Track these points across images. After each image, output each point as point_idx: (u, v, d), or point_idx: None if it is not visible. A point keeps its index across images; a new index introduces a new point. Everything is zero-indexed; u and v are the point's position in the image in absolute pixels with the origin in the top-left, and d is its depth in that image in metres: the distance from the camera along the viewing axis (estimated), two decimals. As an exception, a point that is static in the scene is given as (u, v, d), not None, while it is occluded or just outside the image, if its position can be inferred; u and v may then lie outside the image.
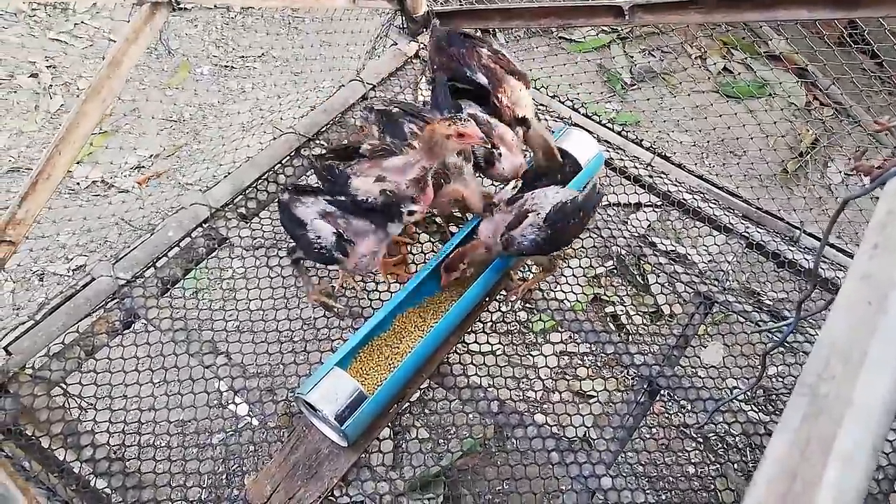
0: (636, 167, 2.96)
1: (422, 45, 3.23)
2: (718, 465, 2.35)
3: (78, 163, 4.57)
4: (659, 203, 2.92)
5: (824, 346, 0.84)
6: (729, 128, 3.80)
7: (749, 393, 2.49)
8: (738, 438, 2.33)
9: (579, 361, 3.21)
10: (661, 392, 2.43)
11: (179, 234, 2.59)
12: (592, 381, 2.88)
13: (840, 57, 4.29)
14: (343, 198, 2.19)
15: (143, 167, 4.67)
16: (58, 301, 2.42)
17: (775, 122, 4.81)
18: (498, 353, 2.64)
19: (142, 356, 2.36)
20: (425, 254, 2.65)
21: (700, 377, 2.45)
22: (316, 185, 2.31)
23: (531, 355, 3.11)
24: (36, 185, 2.08)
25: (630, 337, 2.93)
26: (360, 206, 2.16)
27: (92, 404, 2.25)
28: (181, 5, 2.10)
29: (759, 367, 1.68)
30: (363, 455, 2.22)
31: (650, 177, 2.94)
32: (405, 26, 3.31)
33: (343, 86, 3.10)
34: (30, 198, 2.09)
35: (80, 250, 4.20)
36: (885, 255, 0.90)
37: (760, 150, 4.72)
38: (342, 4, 2.89)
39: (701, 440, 2.49)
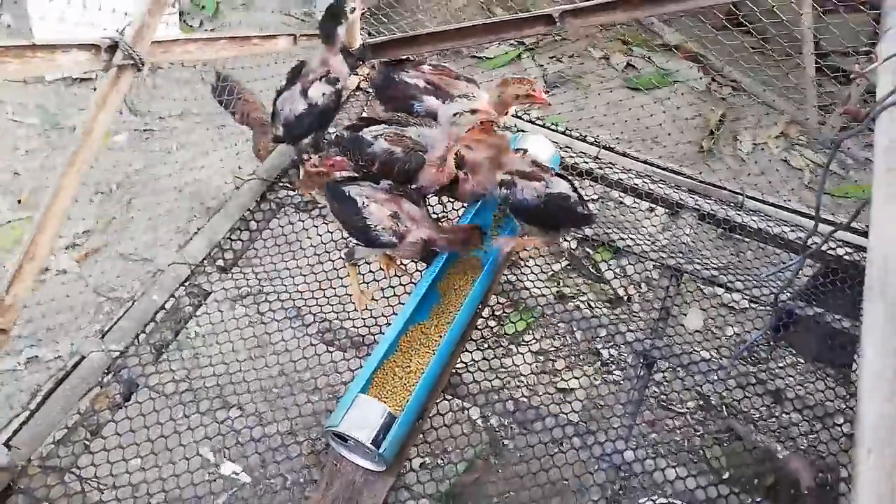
0: (586, 162, 3.15)
1: (362, 78, 3.32)
2: (722, 420, 2.52)
3: (7, 252, 4.37)
4: (616, 192, 3.11)
5: (878, 254, 0.98)
6: (639, 119, 4.09)
7: (735, 351, 2.69)
8: (733, 392, 2.50)
9: (557, 354, 3.35)
10: (657, 362, 2.58)
11: (163, 296, 2.54)
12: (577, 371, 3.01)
13: (726, 40, 4.69)
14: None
15: (78, 245, 4.50)
16: (50, 386, 2.32)
17: (681, 108, 5.20)
18: (493, 356, 2.72)
19: (151, 424, 2.30)
20: (419, 271, 2.71)
21: (688, 342, 2.63)
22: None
23: (513, 356, 3.22)
24: (22, 268, 2.02)
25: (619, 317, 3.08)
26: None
27: (110, 483, 2.17)
28: (144, 65, 2.10)
29: (773, 308, 1.85)
30: (398, 478, 2.24)
31: (600, 168, 3.13)
32: (341, 62, 3.38)
33: (294, 127, 3.13)
34: (16, 282, 2.02)
35: (28, 342, 4.00)
36: (900, 174, 1.06)
37: (672, 133, 5.07)
38: (284, 47, 2.95)
39: (702, 401, 2.66)
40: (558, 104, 5.24)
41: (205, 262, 2.66)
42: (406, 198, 2.39)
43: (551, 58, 5.55)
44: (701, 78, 5.47)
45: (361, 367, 2.32)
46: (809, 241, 1.94)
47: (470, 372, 2.50)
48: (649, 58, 5.50)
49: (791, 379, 2.52)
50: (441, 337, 2.40)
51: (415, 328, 2.46)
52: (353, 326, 2.58)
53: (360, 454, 2.19)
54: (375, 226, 2.31)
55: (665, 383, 2.85)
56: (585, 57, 5.56)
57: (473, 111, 2.25)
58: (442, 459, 2.98)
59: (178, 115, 5.34)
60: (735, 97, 5.29)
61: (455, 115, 2.27)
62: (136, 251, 4.47)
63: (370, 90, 3.30)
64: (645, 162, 3.17)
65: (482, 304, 2.63)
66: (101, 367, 2.36)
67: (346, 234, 2.64)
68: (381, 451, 2.07)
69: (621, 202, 3.32)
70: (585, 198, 2.49)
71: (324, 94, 2.61)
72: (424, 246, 2.38)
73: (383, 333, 2.48)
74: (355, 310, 2.61)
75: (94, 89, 2.09)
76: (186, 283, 2.60)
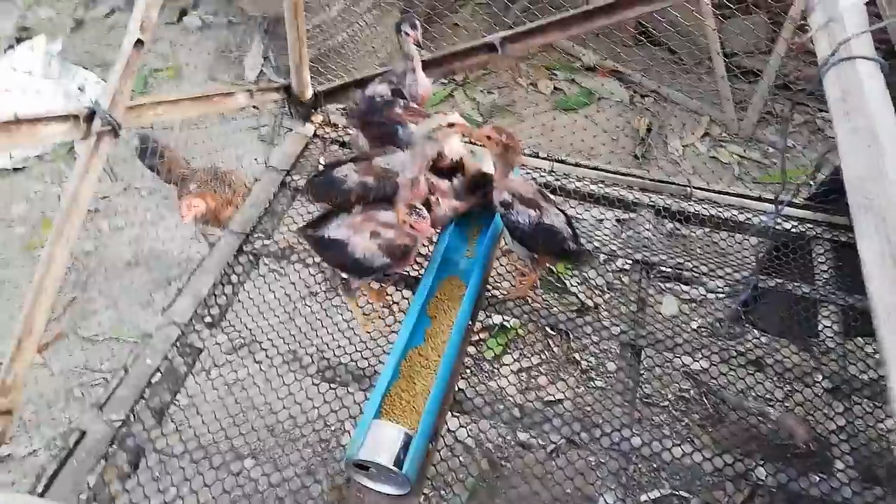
0: (542, 175, 3.31)
1: (317, 125, 3.42)
2: (713, 393, 2.66)
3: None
4: (575, 199, 3.28)
5: (853, 174, 1.14)
6: (573, 135, 4.32)
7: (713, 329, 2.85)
8: (718, 367, 2.65)
9: (541, 368, 3.46)
10: (644, 350, 2.71)
11: (157, 359, 2.53)
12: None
13: (640, 54, 5.02)
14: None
15: (36, 334, 4.38)
16: (55, 466, 2.26)
17: (610, 121, 5.50)
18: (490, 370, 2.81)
19: (165, 487, 2.27)
20: (407, 299, 2.78)
21: (668, 327, 2.78)
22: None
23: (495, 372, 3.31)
24: (21, 344, 2.00)
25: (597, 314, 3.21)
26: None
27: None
28: (122, 128, 2.15)
29: (755, 260, 2.01)
30: (421, 499, 2.27)
31: (556, 180, 3.30)
32: (291, 113, 3.47)
33: (257, 179, 3.20)
34: (17, 359, 2.00)
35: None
36: (857, 114, 1.23)
37: (605, 146, 5.35)
38: (243, 103, 3.03)
39: (692, 380, 2.80)
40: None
41: (192, 320, 2.66)
42: (377, 209, 2.46)
43: (482, 90, 5.79)
44: (622, 90, 5.81)
45: (367, 398, 2.36)
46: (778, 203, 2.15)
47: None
48: (573, 80, 5.81)
49: (767, 347, 2.69)
50: (440, 357, 2.47)
51: (413, 352, 2.52)
52: (352, 360, 2.61)
53: (383, 480, 2.21)
54: (364, 255, 2.38)
55: (655, 367, 2.99)
56: (514, 86, 5.83)
57: (451, 125, 2.37)
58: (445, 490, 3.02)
59: (122, 191, 5.30)
60: (658, 106, 5.63)
61: (432, 131, 2.38)
62: (101, 332, 4.38)
63: (330, 138, 3.40)
64: (595, 168, 3.36)
65: (472, 320, 2.71)
66: (105, 439, 2.32)
67: (334, 272, 2.68)
68: (403, 471, 2.10)
69: (582, 209, 3.49)
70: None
71: (382, 96, 2.97)
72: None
73: (382, 363, 2.53)
74: (350, 343, 2.65)
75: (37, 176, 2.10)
76: (178, 343, 2.59)
